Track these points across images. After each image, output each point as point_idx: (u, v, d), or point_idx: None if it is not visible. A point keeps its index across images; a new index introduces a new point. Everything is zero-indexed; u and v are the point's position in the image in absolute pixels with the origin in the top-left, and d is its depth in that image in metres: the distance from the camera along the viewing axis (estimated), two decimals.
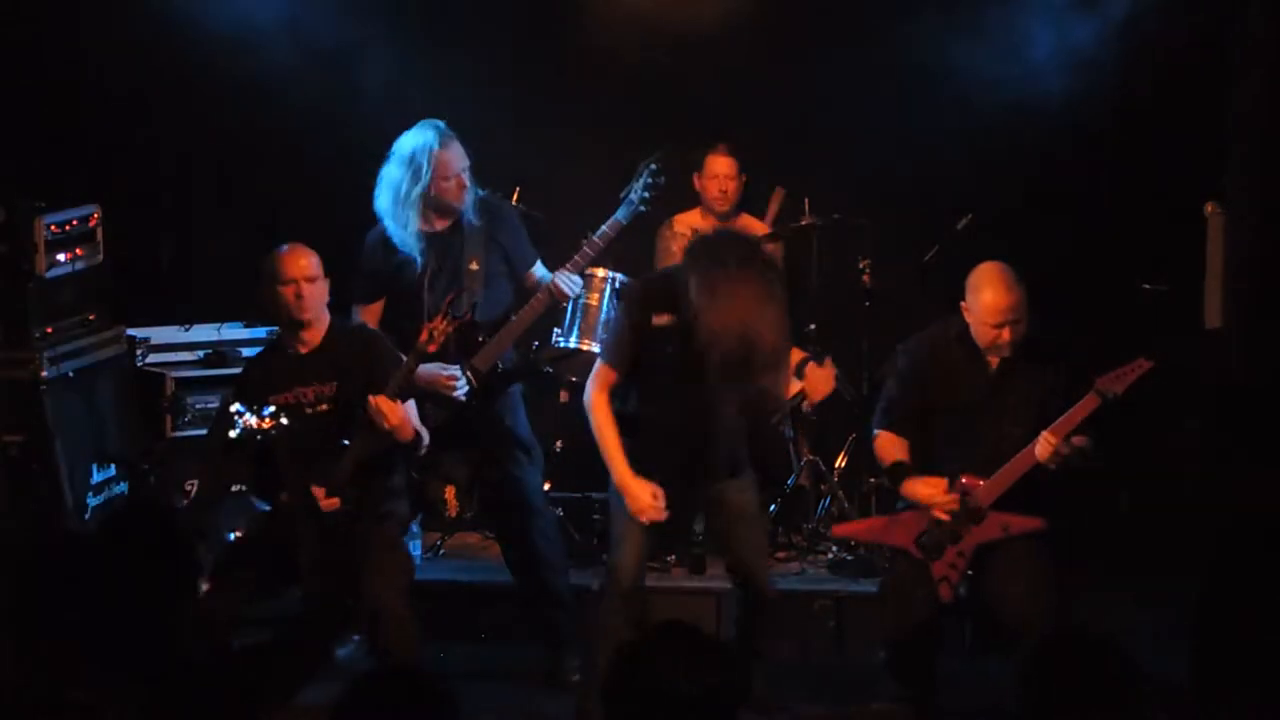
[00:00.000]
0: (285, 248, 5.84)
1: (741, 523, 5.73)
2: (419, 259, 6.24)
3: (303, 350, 5.83)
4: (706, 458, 5.64)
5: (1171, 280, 7.24)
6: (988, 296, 5.55)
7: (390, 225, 6.23)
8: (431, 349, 5.78)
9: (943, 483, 5.58)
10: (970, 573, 5.63)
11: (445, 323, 5.77)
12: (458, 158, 6.20)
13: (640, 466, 5.58)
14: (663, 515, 5.55)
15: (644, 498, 5.53)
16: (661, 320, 5.56)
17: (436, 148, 6.16)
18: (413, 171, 6.17)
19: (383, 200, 6.24)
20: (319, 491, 5.62)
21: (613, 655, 3.26)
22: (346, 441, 5.67)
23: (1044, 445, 5.47)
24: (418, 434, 5.80)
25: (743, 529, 5.74)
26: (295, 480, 5.59)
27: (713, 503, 5.77)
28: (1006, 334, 5.55)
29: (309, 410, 5.76)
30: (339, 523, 5.63)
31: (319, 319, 5.82)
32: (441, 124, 6.23)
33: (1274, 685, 3.13)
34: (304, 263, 5.79)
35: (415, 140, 6.20)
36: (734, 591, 5.90)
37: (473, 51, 7.72)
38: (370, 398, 5.63)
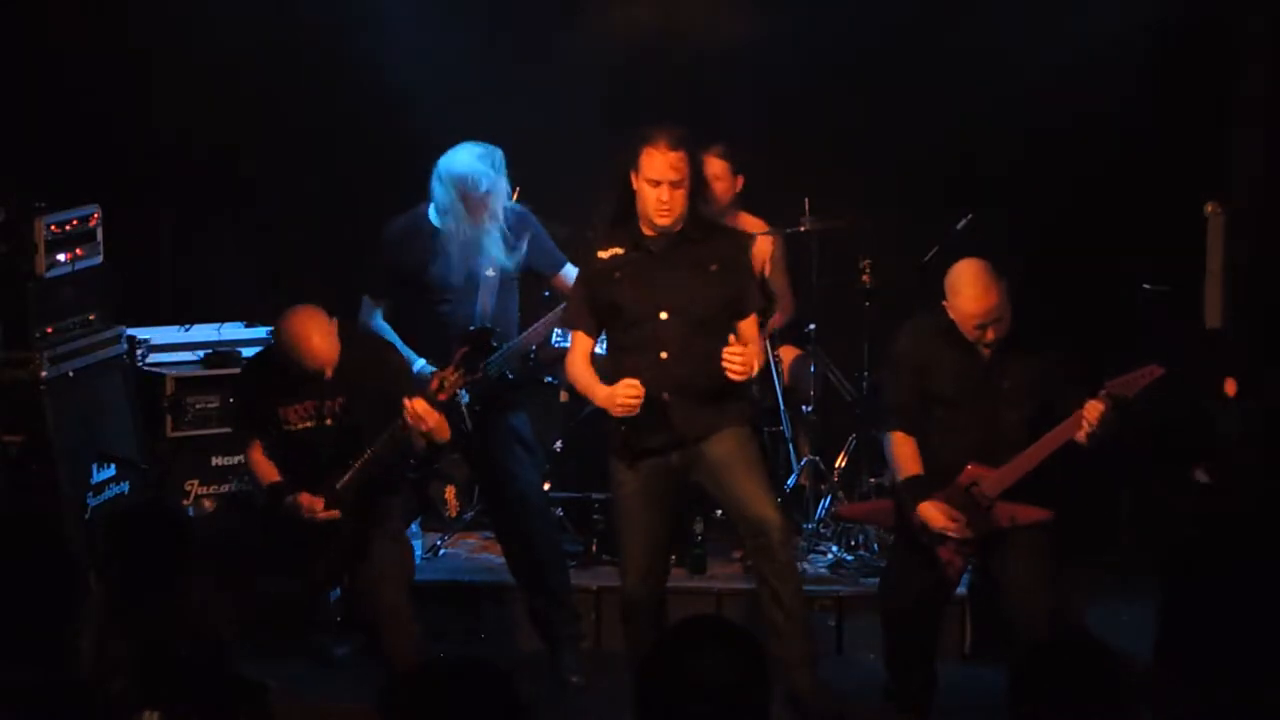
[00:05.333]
0: (291, 316, 5.73)
1: (726, 469, 5.53)
2: (442, 256, 6.20)
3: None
4: (673, 414, 5.48)
5: (1171, 280, 7.23)
6: (966, 301, 5.48)
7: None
8: (441, 398, 5.75)
9: (960, 517, 5.49)
10: (974, 558, 5.60)
11: (458, 376, 5.76)
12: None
13: (623, 436, 5.51)
14: (638, 396, 5.37)
15: (616, 392, 5.41)
16: (607, 252, 5.55)
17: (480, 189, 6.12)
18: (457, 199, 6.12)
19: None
20: (318, 501, 5.65)
21: (641, 659, 3.15)
22: (353, 454, 5.72)
23: (1088, 423, 5.38)
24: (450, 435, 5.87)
25: (729, 474, 5.53)
26: (293, 487, 5.72)
27: (696, 464, 5.59)
28: (990, 333, 5.49)
29: (313, 424, 5.78)
30: (337, 529, 5.68)
31: (334, 359, 5.78)
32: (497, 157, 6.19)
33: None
34: (315, 342, 5.69)
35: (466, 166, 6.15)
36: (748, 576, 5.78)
37: (474, 50, 7.72)
38: (406, 402, 5.64)
